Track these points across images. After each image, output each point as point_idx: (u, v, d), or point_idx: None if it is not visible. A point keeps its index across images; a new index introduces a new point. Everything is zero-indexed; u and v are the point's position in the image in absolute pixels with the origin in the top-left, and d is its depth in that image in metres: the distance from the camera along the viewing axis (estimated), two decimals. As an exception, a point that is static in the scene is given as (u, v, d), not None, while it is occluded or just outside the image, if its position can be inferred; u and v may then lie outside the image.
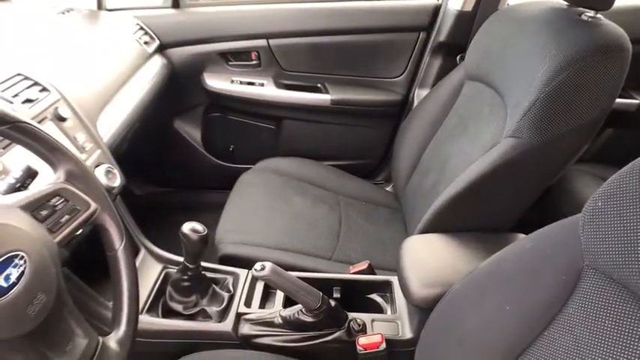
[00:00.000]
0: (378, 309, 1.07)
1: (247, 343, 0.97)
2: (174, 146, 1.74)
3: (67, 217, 0.63)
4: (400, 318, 1.00)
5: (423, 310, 0.91)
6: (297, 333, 0.95)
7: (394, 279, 1.09)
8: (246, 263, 1.15)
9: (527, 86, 0.95)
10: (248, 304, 1.03)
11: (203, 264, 1.11)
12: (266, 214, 1.33)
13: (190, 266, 0.99)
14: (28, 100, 0.93)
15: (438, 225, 1.05)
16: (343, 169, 1.59)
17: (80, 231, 0.86)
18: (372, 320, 0.99)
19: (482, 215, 1.04)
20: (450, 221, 1.04)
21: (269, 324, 0.96)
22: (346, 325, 0.94)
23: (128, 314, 0.67)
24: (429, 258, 0.96)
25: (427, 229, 1.06)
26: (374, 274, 1.13)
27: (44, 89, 0.98)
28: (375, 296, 1.10)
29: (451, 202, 1.02)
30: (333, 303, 0.92)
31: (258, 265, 0.84)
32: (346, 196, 1.49)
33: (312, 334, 0.94)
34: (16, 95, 0.92)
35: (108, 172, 0.99)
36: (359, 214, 1.43)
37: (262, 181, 1.47)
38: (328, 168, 1.59)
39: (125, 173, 1.05)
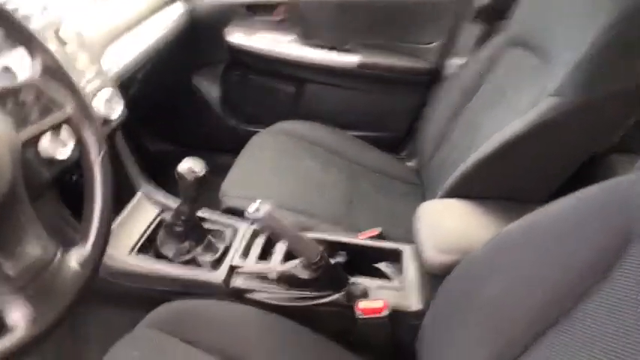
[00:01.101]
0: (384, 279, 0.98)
1: (238, 297, 0.89)
2: (192, 104, 1.67)
3: (36, 114, 0.56)
4: (408, 288, 0.90)
5: (435, 280, 0.81)
6: (292, 291, 0.86)
7: (405, 248, 0.99)
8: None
9: (575, 44, 0.84)
10: (244, 257, 0.95)
11: (202, 213, 1.04)
12: (275, 173, 1.25)
13: (184, 209, 0.92)
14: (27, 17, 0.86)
15: (461, 190, 0.95)
16: (365, 141, 1.50)
17: (67, 151, 0.80)
18: (377, 287, 0.90)
19: (511, 183, 0.93)
20: (475, 187, 0.94)
21: (263, 279, 0.89)
22: (346, 288, 0.85)
23: (97, 234, 0.60)
24: (448, 223, 0.87)
25: (448, 195, 0.96)
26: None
27: (46, 9, 0.92)
28: (383, 265, 1.01)
29: (477, 167, 0.91)
30: (333, 261, 0.83)
31: (253, 205, 0.75)
32: (362, 166, 1.39)
33: (307, 293, 0.86)
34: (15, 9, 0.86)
35: (108, 100, 0.93)
36: (373, 185, 1.34)
37: (275, 142, 1.38)
38: (347, 136, 1.49)
39: (139, 128, 0.99)
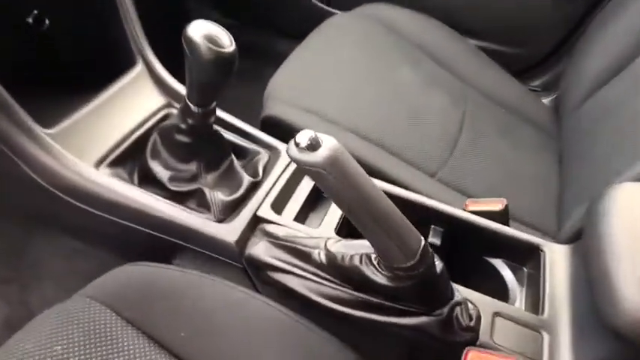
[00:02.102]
0: (499, 289, 0.59)
1: (254, 271, 0.53)
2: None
3: None
4: (551, 327, 0.50)
5: (619, 336, 0.41)
6: (349, 289, 0.49)
7: (547, 246, 0.58)
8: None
9: None
10: (278, 206, 0.57)
11: (230, 119, 0.66)
12: (351, 77, 0.83)
13: (194, 109, 0.54)
14: None
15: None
16: (488, 55, 1.03)
17: None
18: (495, 314, 0.51)
19: None
20: None
21: (302, 255, 0.51)
22: (446, 310, 0.46)
23: None
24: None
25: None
26: (507, 224, 0.63)
27: None
28: (500, 264, 0.61)
29: None
30: (439, 266, 0.43)
31: (304, 134, 0.35)
32: (480, 92, 0.95)
33: (373, 300, 0.48)
34: None
35: None
36: (492, 123, 0.90)
37: (361, 30, 0.95)
38: (466, 44, 1.03)
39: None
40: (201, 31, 0.48)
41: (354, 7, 1.04)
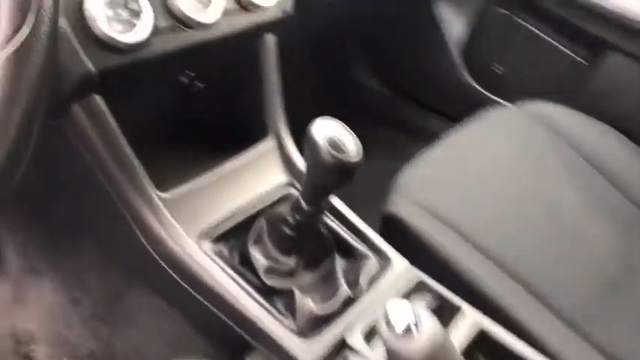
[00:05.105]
0: None
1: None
2: (425, 42, 1.19)
3: None
4: None
5: None
6: None
7: None
8: (420, 250, 0.62)
9: None
10: (372, 334, 0.49)
11: (345, 211, 0.60)
12: (502, 188, 0.74)
13: (304, 207, 0.49)
14: None
15: None
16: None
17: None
18: None
19: None
20: None
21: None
22: None
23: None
24: None
25: None
26: None
27: None
28: None
29: None
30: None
31: (400, 315, 0.27)
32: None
33: None
34: None
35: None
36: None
37: (523, 131, 0.84)
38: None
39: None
40: (325, 132, 0.43)
41: (519, 98, 0.93)
